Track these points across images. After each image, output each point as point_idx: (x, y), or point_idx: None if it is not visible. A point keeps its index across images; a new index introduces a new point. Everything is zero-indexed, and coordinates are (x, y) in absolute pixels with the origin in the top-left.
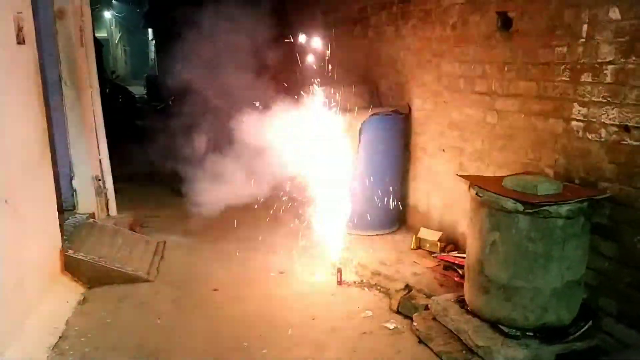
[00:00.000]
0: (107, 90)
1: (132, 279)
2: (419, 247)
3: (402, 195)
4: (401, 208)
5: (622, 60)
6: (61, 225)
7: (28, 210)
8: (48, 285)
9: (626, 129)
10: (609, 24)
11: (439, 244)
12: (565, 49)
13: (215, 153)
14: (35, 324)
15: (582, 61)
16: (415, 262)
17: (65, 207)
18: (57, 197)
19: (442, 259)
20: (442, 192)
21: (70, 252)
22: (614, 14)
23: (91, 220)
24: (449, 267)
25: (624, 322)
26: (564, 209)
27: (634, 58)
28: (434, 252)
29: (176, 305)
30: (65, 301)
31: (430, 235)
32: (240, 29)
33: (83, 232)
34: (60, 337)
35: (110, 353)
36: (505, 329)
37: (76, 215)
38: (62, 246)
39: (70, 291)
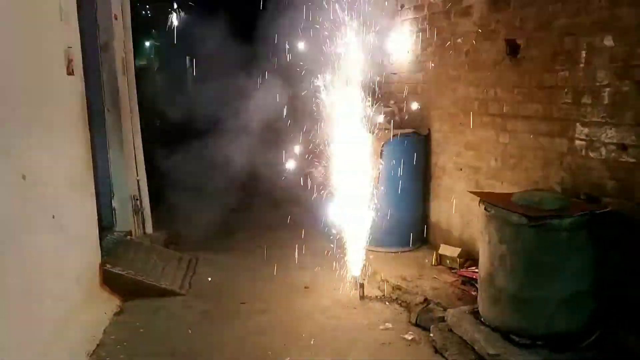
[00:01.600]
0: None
1: (165, 293)
2: (439, 263)
3: (424, 213)
4: (423, 225)
5: (617, 83)
6: (101, 242)
7: (72, 227)
8: (88, 297)
9: (623, 147)
10: (604, 50)
11: (458, 259)
12: (567, 74)
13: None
14: (75, 332)
15: (582, 85)
16: (435, 277)
17: (104, 224)
18: (98, 215)
19: (461, 274)
20: (461, 210)
21: (109, 266)
22: (608, 41)
23: (128, 237)
24: (467, 281)
25: (633, 331)
26: (566, 222)
27: (627, 82)
28: (453, 268)
29: (206, 317)
30: (103, 312)
31: (450, 252)
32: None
33: (120, 248)
34: (98, 345)
35: (144, 359)
36: (516, 338)
37: (115, 233)
38: (101, 261)
39: (108, 303)
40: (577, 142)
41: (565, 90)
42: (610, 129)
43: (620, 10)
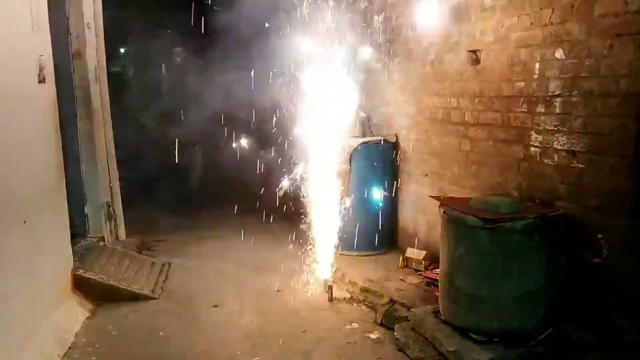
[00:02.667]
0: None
1: (137, 297)
2: (406, 266)
3: (392, 218)
4: (391, 230)
5: (567, 93)
6: (73, 247)
7: (43, 232)
8: (59, 301)
9: (573, 153)
10: (556, 62)
11: (423, 262)
12: (522, 84)
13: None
14: (47, 335)
15: (536, 94)
16: (401, 279)
17: (77, 231)
18: (70, 221)
19: (425, 276)
20: (427, 214)
21: (81, 271)
22: (559, 54)
23: (101, 243)
24: (432, 283)
25: (583, 328)
26: (518, 225)
27: (575, 92)
28: (419, 270)
29: (178, 319)
30: (75, 316)
31: (416, 255)
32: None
33: (93, 254)
34: (69, 348)
35: None
36: (474, 336)
37: (87, 239)
38: (74, 266)
39: (80, 307)
40: (532, 149)
41: (521, 99)
42: (562, 136)
43: (569, 25)
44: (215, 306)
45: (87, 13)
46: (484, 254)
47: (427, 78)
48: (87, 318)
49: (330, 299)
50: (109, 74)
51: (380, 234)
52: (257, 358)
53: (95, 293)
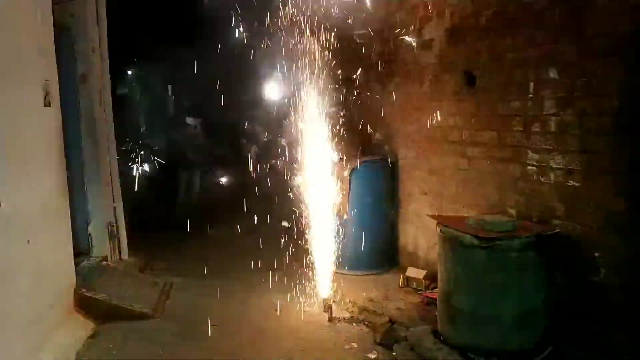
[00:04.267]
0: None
1: (138, 316)
2: (406, 285)
3: (393, 237)
4: (392, 249)
5: (562, 112)
6: (77, 267)
7: (47, 252)
8: (62, 320)
9: (570, 172)
10: (550, 82)
11: (424, 281)
12: (518, 103)
13: None
14: (48, 354)
15: (531, 114)
16: (401, 298)
17: (81, 250)
18: (74, 241)
19: (426, 295)
20: (427, 233)
21: (83, 291)
22: (553, 73)
23: (104, 262)
24: (432, 302)
25: (582, 347)
26: (514, 243)
27: (570, 111)
28: (419, 289)
29: (178, 339)
30: (76, 335)
31: (417, 274)
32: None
33: (96, 273)
34: None
35: None
36: (472, 355)
37: (91, 258)
38: (76, 285)
39: (82, 326)
40: (529, 168)
41: (517, 118)
42: (558, 155)
43: (562, 45)
44: (215, 325)
45: (93, 38)
46: (480, 273)
47: (425, 98)
48: (89, 337)
49: (330, 319)
50: (116, 96)
51: (380, 252)
52: None
53: (98, 312)
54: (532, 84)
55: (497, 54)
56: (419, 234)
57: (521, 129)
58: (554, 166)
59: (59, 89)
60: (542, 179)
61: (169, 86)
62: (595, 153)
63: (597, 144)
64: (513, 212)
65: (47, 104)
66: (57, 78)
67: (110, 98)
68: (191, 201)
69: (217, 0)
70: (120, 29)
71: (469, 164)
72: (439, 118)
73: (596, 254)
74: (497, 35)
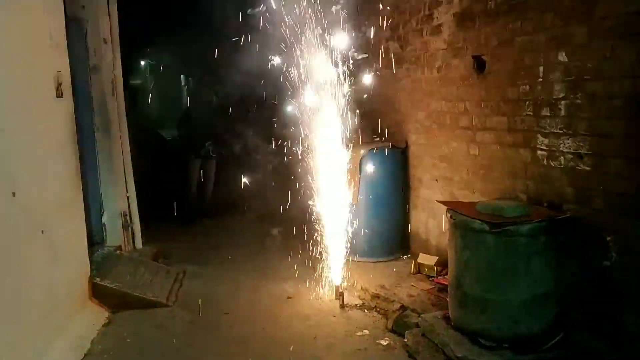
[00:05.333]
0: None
1: (152, 304)
2: (418, 272)
3: (404, 224)
4: (403, 235)
5: (572, 96)
6: (91, 256)
7: (61, 242)
8: (77, 309)
9: (580, 156)
10: (559, 65)
11: (435, 268)
12: (527, 87)
13: None
14: (64, 342)
15: (541, 97)
16: (413, 285)
17: (95, 240)
18: (88, 231)
19: (437, 282)
20: (438, 219)
21: (98, 280)
22: (562, 57)
23: (118, 252)
24: (444, 289)
25: (593, 333)
26: (525, 229)
27: (580, 94)
28: (431, 276)
29: (190, 327)
30: (91, 323)
31: (428, 260)
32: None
33: (110, 262)
34: (85, 354)
35: None
36: (483, 341)
37: (105, 247)
38: (91, 274)
39: (96, 315)
40: (539, 152)
41: (527, 103)
42: (568, 139)
43: (571, 28)
44: (227, 313)
45: (104, 29)
46: (490, 258)
47: (435, 83)
48: (103, 325)
49: (342, 306)
50: (128, 86)
51: (392, 240)
52: None
53: (112, 301)
54: (541, 68)
55: (506, 38)
56: (430, 220)
57: (531, 113)
58: (564, 150)
59: (71, 80)
60: (553, 164)
61: (182, 76)
62: (606, 136)
63: (608, 127)
64: (524, 197)
65: (59, 95)
66: (68, 69)
67: (122, 88)
68: (205, 198)
69: None
70: (133, 18)
71: (479, 149)
72: (449, 103)
73: (607, 238)
74: (506, 19)
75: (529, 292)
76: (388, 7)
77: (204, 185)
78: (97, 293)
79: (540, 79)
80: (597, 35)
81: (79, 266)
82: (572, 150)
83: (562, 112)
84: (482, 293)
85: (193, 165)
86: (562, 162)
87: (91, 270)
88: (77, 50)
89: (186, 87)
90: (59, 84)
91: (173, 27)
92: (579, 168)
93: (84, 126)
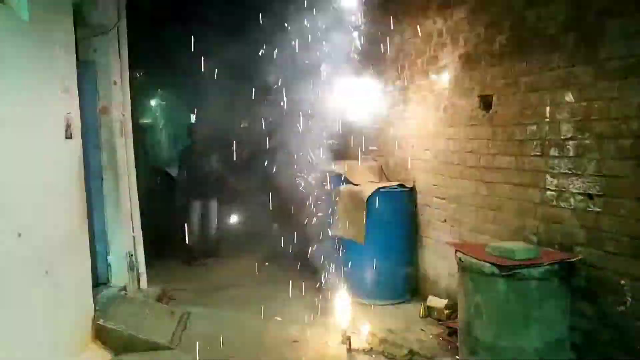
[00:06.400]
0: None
1: (156, 347)
2: (427, 315)
3: (413, 265)
4: (412, 277)
5: (580, 136)
6: (96, 296)
7: (65, 282)
8: (79, 350)
9: (590, 197)
10: (566, 105)
11: (445, 311)
12: (535, 127)
13: None
14: None
15: (548, 137)
16: (422, 329)
17: (100, 280)
18: (93, 271)
19: (447, 326)
20: (447, 261)
21: (102, 321)
22: (569, 97)
23: (123, 292)
24: (454, 333)
25: None
26: (536, 272)
27: (587, 134)
28: (440, 319)
29: None
30: None
31: (438, 303)
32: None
33: (114, 303)
34: None
35: None
36: None
37: (110, 288)
38: (94, 316)
39: (99, 357)
40: (548, 193)
41: (534, 143)
42: (577, 179)
43: (577, 69)
44: (232, 357)
45: (114, 71)
46: (501, 302)
47: (441, 123)
48: None
49: (349, 350)
50: (138, 125)
51: (400, 282)
52: None
53: (115, 342)
54: (548, 108)
55: (512, 79)
56: (439, 262)
57: (539, 153)
58: (573, 191)
59: (81, 121)
60: (562, 205)
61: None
62: (616, 177)
63: (617, 167)
64: (534, 238)
65: (68, 136)
66: (78, 111)
67: (131, 129)
68: (208, 237)
69: None
70: (143, 60)
71: (488, 189)
72: (455, 143)
73: (622, 282)
74: (512, 59)
75: (542, 337)
76: (394, 50)
77: (205, 226)
78: (101, 334)
79: (548, 119)
80: (603, 76)
81: (83, 307)
82: (581, 191)
83: (571, 152)
84: (493, 339)
85: (192, 207)
86: (572, 203)
87: (95, 311)
88: (87, 92)
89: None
90: (69, 126)
91: (184, 68)
92: (590, 209)
93: (92, 166)
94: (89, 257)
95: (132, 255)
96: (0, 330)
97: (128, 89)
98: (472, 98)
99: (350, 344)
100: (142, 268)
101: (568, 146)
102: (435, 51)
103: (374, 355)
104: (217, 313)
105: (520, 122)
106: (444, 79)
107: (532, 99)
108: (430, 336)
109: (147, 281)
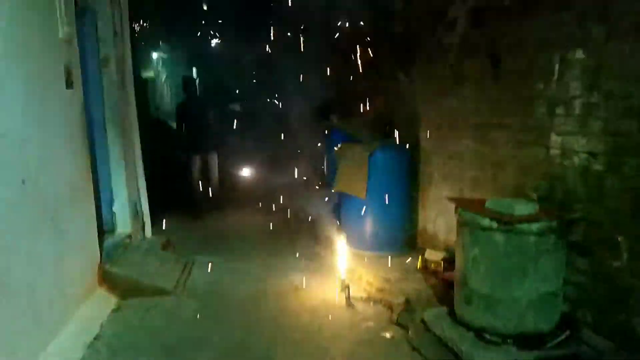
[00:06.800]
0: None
1: (160, 292)
2: (425, 267)
3: (412, 220)
4: (411, 231)
5: (587, 94)
6: (101, 244)
7: (71, 229)
8: (86, 295)
9: (593, 155)
10: (575, 64)
11: (442, 263)
12: (542, 86)
13: None
14: (74, 326)
15: (555, 96)
16: (418, 280)
17: (105, 228)
18: (98, 219)
19: (443, 278)
20: (446, 216)
21: (107, 267)
22: (579, 54)
23: (128, 240)
24: (449, 284)
25: (600, 332)
26: (534, 227)
27: (595, 93)
28: (437, 272)
29: (197, 314)
30: (100, 309)
31: (435, 256)
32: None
33: (120, 250)
34: (95, 337)
35: (137, 350)
36: (488, 337)
37: (115, 236)
38: (100, 262)
39: (106, 301)
40: (552, 151)
41: (541, 101)
42: (582, 138)
43: (588, 26)
44: (235, 302)
45: (115, 21)
46: (499, 256)
47: (447, 81)
48: (112, 311)
49: (347, 298)
50: (140, 78)
51: (400, 235)
52: (272, 352)
53: (121, 287)
54: (556, 66)
55: (521, 36)
56: (439, 217)
57: (545, 111)
58: (577, 149)
59: (82, 71)
60: (565, 163)
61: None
62: (621, 136)
63: (624, 126)
64: (534, 195)
65: (69, 85)
66: (78, 61)
67: (132, 81)
68: (209, 190)
69: None
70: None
71: (491, 147)
72: (460, 102)
73: (619, 239)
74: (521, 16)
75: (538, 290)
76: (400, 2)
77: (207, 179)
78: (107, 280)
79: (555, 77)
80: (615, 34)
81: (89, 253)
82: (585, 150)
83: (577, 111)
84: (489, 290)
85: (193, 161)
86: (576, 162)
87: (101, 257)
88: (87, 42)
89: (198, 80)
90: (69, 75)
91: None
92: (593, 167)
93: (95, 118)
94: (94, 204)
95: (136, 204)
96: (11, 277)
97: (129, 40)
98: (480, 55)
99: (349, 292)
100: (147, 217)
101: (575, 104)
102: (443, 4)
103: (371, 303)
104: (221, 262)
105: (528, 81)
106: (451, 34)
107: (540, 57)
108: (427, 287)
109: (152, 231)
